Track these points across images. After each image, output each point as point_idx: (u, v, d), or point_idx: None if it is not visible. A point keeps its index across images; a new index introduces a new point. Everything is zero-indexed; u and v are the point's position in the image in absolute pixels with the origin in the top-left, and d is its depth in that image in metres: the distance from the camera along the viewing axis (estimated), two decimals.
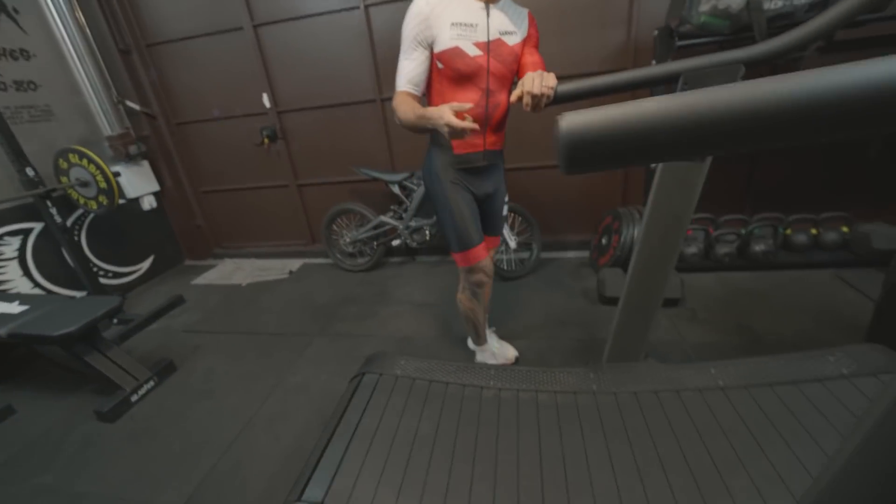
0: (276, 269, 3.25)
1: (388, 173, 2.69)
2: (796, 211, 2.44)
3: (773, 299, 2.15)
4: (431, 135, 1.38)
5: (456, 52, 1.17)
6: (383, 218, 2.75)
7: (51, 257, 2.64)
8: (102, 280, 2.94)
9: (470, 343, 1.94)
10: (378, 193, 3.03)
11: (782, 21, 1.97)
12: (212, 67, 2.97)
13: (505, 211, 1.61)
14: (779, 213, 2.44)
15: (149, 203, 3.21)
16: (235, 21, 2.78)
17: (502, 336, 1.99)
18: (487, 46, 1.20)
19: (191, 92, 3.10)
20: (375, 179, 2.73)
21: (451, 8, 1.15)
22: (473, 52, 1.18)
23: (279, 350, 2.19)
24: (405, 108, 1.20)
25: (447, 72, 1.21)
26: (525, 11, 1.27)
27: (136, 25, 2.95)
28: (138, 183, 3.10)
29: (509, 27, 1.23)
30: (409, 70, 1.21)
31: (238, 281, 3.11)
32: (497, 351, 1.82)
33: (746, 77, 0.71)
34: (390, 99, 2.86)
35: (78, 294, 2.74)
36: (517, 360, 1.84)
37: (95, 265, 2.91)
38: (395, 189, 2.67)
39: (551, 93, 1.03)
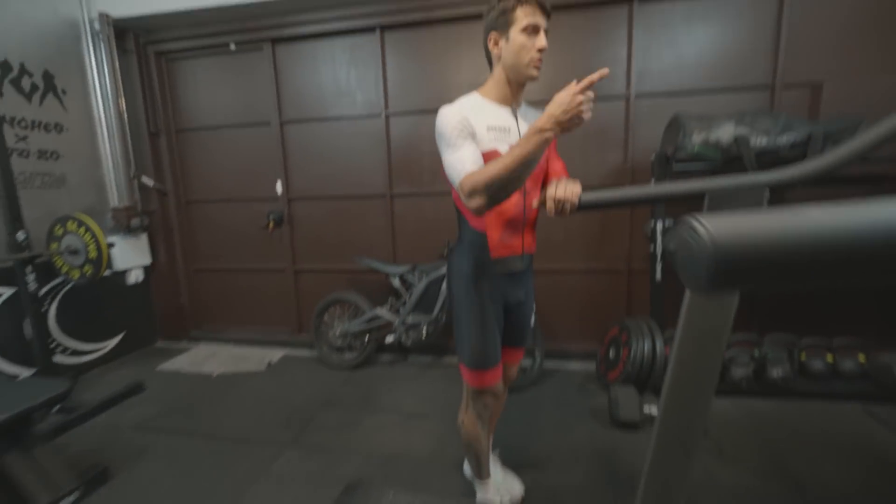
0: (254, 359, 2.98)
1: (390, 265, 2.65)
2: (804, 330, 2.37)
3: (802, 434, 1.94)
4: (462, 234, 1.26)
5: (495, 154, 1.12)
6: (379, 311, 2.62)
7: (8, 328, 2.40)
8: (61, 357, 2.65)
9: (467, 469, 1.65)
10: (376, 285, 2.94)
11: (768, 156, 2.14)
12: (233, 153, 3.13)
13: (533, 320, 1.46)
14: (789, 334, 2.36)
15: (135, 276, 3.07)
16: (265, 117, 3.02)
17: (506, 462, 1.70)
18: None
19: (208, 173, 3.21)
20: (376, 270, 2.67)
21: (482, 113, 1.14)
22: None
23: (241, 461, 1.85)
24: (489, 168, 1.02)
25: None
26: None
27: (172, 113, 3.18)
28: (130, 255, 3.01)
29: None
30: (468, 155, 1.07)
31: (209, 370, 2.82)
32: (501, 485, 1.53)
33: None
34: (400, 195, 3.03)
35: (26, 372, 2.43)
36: (523, 499, 1.54)
37: (56, 340, 2.65)
38: (395, 282, 2.59)
39: (576, 199, 1.02)
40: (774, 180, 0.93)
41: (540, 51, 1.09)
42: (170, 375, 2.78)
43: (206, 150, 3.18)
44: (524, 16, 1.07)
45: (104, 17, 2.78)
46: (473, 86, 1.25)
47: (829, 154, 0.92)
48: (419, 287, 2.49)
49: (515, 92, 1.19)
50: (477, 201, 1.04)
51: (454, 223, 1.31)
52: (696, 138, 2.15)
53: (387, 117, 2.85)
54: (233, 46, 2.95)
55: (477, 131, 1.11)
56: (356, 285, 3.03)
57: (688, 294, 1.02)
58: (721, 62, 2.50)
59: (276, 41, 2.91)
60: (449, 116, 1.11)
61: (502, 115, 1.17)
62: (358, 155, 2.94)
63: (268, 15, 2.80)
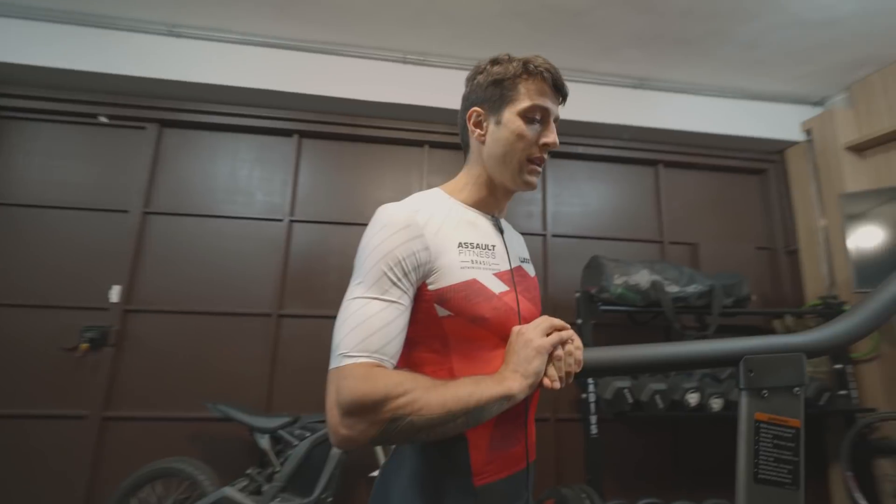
0: None
1: (258, 415, 1.87)
2: (714, 492, 2.17)
3: None
4: (394, 448, 0.72)
5: (473, 287, 0.66)
6: (229, 491, 1.71)
7: None
8: None
9: None
10: (234, 443, 2.06)
11: (680, 303, 2.22)
12: (56, 243, 2.26)
13: None
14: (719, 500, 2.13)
15: None
16: (122, 203, 2.33)
17: None
18: (512, 277, 0.74)
19: (2, 266, 2.23)
20: (235, 422, 1.85)
21: (449, 222, 0.69)
22: (498, 286, 0.69)
23: None
24: (415, 385, 0.56)
25: (458, 324, 0.65)
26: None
27: None
28: None
29: (524, 252, 0.84)
30: (381, 321, 0.58)
31: None
32: None
33: None
34: (291, 316, 2.41)
35: None
36: None
37: None
38: (264, 442, 1.79)
39: (580, 354, 0.66)
40: (807, 347, 0.73)
41: (544, 146, 0.72)
42: None
43: (11, 234, 2.27)
44: (528, 94, 0.71)
45: None
46: None
47: (855, 315, 0.76)
48: (299, 451, 1.74)
49: (500, 199, 0.79)
50: (357, 427, 0.53)
51: None
52: (618, 281, 2.15)
53: (290, 223, 2.43)
54: (103, 119, 2.41)
55: (441, 255, 0.65)
56: (202, 446, 2.08)
57: (743, 488, 0.66)
58: (620, 215, 2.78)
59: (165, 123, 2.45)
60: (393, 230, 0.63)
61: (481, 226, 0.74)
62: (243, 262, 2.36)
63: (160, 96, 2.40)
